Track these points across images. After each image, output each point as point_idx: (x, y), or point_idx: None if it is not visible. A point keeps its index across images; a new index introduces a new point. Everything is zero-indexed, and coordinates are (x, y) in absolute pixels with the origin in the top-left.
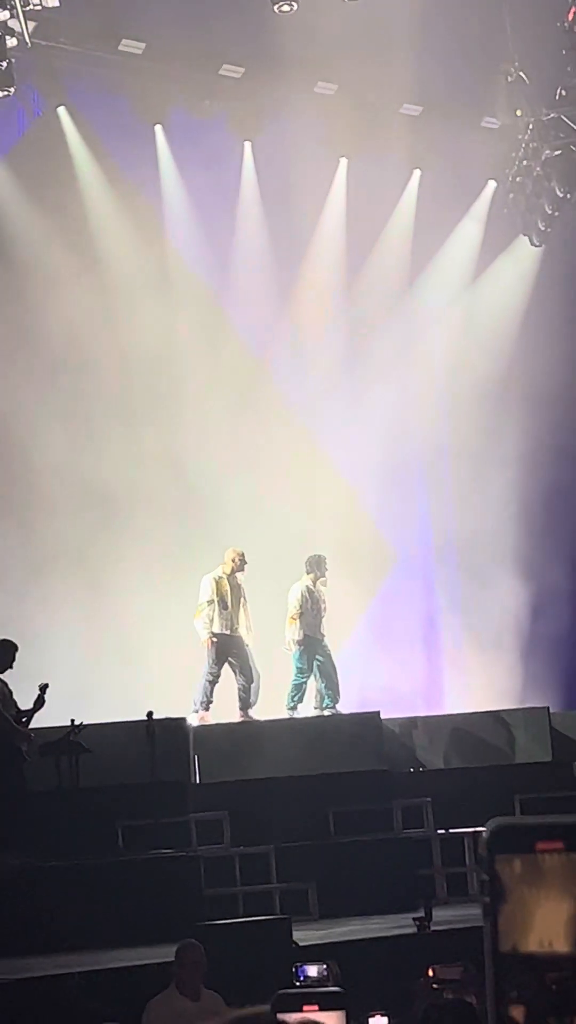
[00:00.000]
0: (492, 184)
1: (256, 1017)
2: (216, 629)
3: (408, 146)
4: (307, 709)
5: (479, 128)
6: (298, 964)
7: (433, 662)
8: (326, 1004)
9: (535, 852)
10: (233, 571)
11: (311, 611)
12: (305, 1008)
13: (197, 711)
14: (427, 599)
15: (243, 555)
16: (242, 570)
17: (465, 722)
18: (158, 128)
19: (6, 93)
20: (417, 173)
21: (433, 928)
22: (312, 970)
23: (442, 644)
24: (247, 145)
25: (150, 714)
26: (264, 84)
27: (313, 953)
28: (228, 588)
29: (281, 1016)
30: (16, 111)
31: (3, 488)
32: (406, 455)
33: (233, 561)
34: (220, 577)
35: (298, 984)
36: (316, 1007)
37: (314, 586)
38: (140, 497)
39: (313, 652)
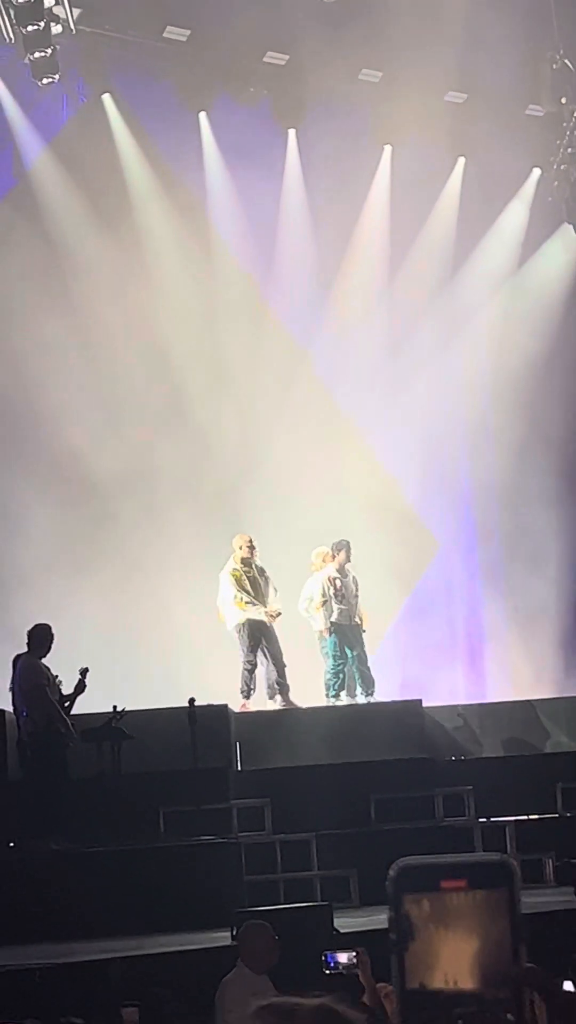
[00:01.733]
0: (537, 172)
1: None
2: (247, 616)
3: (452, 134)
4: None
5: (524, 116)
6: (327, 952)
7: (475, 650)
8: None
9: (440, 890)
10: (245, 559)
11: (334, 598)
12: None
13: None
14: (469, 587)
15: (251, 540)
16: (252, 555)
17: (507, 710)
18: (202, 115)
19: (51, 80)
20: (461, 161)
21: None
22: (342, 957)
23: (484, 632)
24: (291, 132)
25: (192, 701)
26: (308, 71)
27: (354, 940)
28: (245, 578)
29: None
30: (61, 98)
31: (44, 474)
32: (448, 443)
33: (241, 549)
34: (235, 569)
35: (328, 972)
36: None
37: (340, 572)
38: (180, 483)
39: (346, 639)
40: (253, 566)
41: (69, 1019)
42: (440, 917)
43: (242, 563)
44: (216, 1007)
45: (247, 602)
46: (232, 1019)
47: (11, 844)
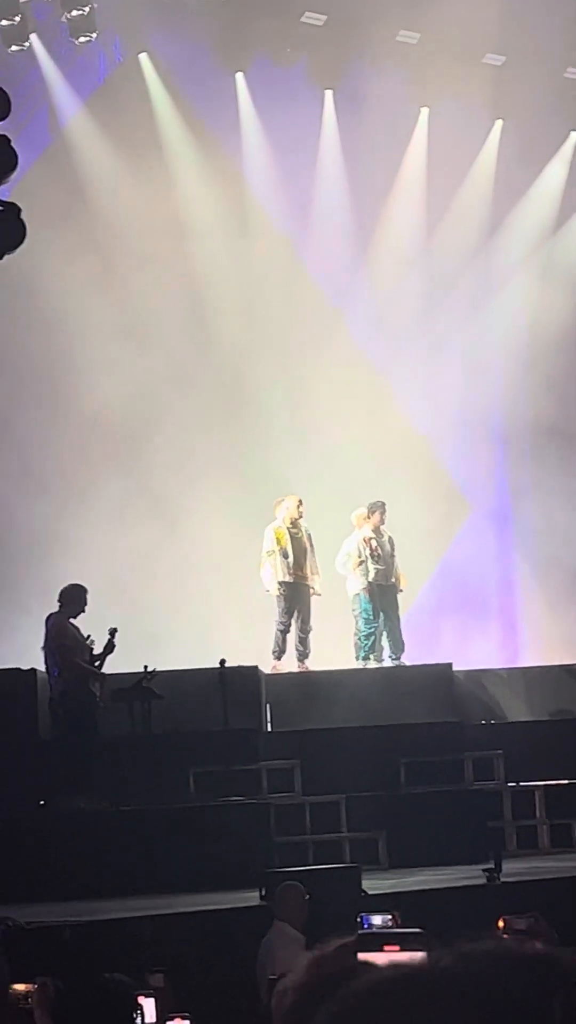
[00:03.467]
0: (574, 135)
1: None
2: (280, 578)
3: (490, 96)
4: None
5: (561, 78)
6: (363, 913)
7: (507, 614)
8: (407, 945)
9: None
10: (294, 519)
11: (371, 558)
12: (386, 948)
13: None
14: (502, 550)
15: (300, 501)
16: (301, 518)
17: (538, 675)
18: (239, 76)
19: (88, 38)
20: (499, 123)
21: (503, 880)
22: (377, 919)
23: (517, 596)
24: (328, 94)
25: (223, 662)
26: (346, 32)
27: (382, 902)
28: (289, 536)
29: (363, 956)
30: (98, 57)
31: (78, 429)
32: (482, 405)
33: (287, 509)
34: (279, 526)
35: (360, 935)
36: (397, 947)
37: (376, 532)
38: (213, 442)
39: (380, 601)
40: (302, 528)
41: (113, 975)
42: None
43: (291, 523)
44: (263, 967)
45: (265, 563)
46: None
47: (41, 803)
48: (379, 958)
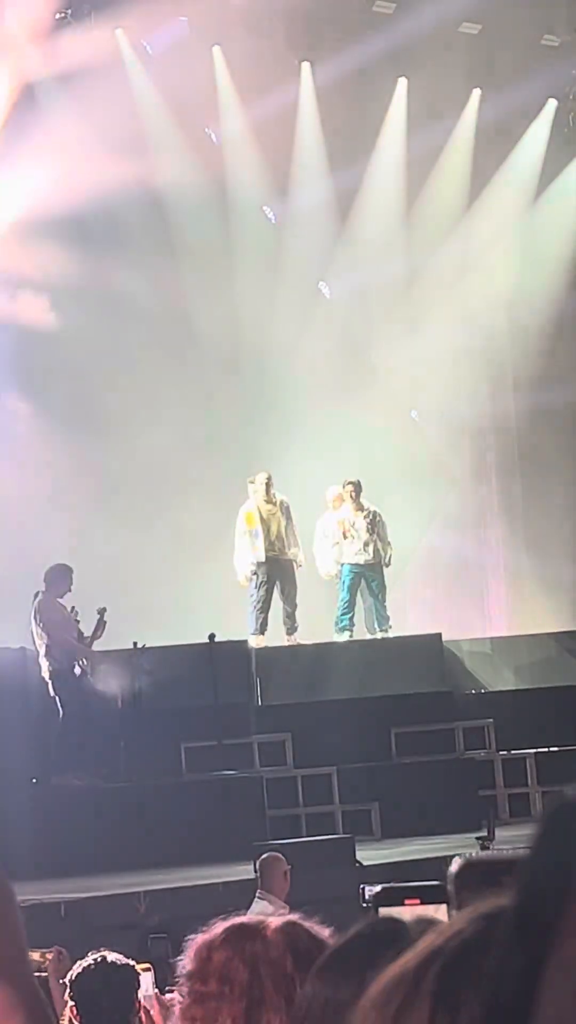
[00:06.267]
0: (552, 102)
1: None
2: (255, 558)
3: (467, 65)
4: (360, 631)
5: (539, 46)
6: (363, 883)
7: (495, 583)
8: (428, 897)
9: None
10: (264, 497)
11: (345, 538)
12: (407, 902)
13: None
14: (489, 521)
15: (269, 477)
16: (271, 490)
17: (527, 644)
18: (216, 49)
19: (63, 15)
20: (477, 92)
21: (496, 848)
22: (378, 889)
23: (504, 567)
24: (305, 65)
25: (212, 636)
26: (323, 2)
27: (376, 872)
28: (259, 515)
29: (384, 911)
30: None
31: (59, 409)
32: (466, 378)
33: (255, 489)
34: (249, 508)
35: (365, 904)
36: (418, 900)
37: (358, 508)
38: (196, 420)
39: (358, 577)
40: (276, 502)
41: (100, 950)
42: None
43: (263, 500)
44: None
45: (236, 549)
46: None
47: (34, 780)
48: (401, 912)
